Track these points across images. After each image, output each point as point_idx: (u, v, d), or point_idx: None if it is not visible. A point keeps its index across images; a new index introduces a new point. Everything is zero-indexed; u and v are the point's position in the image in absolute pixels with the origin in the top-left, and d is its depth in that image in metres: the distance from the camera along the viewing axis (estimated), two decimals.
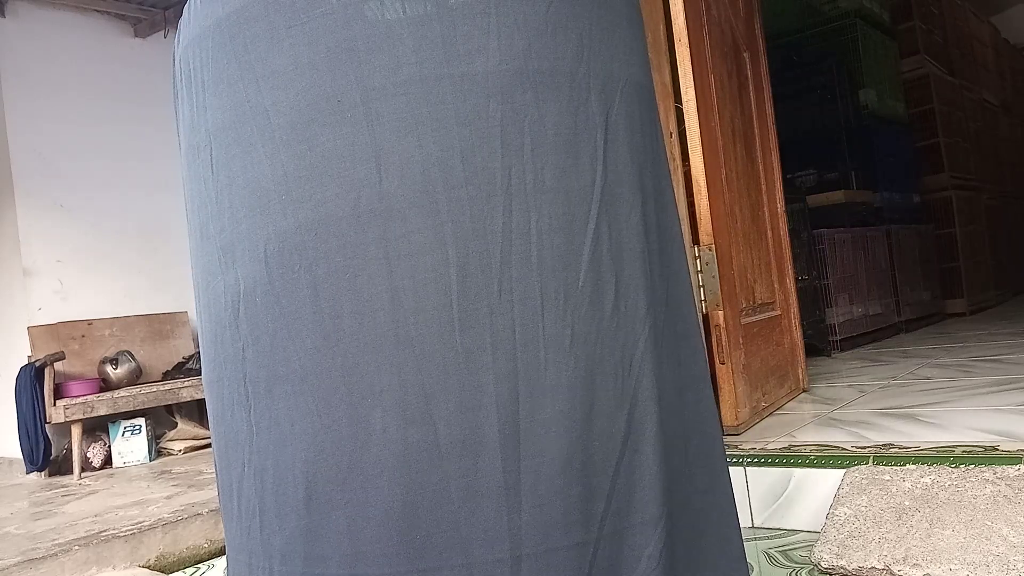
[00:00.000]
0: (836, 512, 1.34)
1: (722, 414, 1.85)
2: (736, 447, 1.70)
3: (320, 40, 0.74)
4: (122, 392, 2.99)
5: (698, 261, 1.87)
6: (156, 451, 3.18)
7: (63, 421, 2.84)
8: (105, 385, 3.10)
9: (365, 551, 0.73)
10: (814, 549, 1.29)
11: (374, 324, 0.72)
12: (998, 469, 1.30)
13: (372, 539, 0.72)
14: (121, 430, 3.10)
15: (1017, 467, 1.29)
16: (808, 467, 1.51)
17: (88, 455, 3.04)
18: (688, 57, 1.87)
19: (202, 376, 0.91)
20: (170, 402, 3.10)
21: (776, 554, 1.39)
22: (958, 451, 1.44)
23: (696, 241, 1.89)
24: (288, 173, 0.75)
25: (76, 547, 1.71)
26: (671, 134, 1.87)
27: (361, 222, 0.73)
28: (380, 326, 0.72)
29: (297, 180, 0.75)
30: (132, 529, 1.81)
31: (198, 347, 3.12)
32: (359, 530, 0.73)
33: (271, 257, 0.76)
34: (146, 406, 3.03)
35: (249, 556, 0.82)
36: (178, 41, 0.87)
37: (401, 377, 0.72)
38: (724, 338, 1.85)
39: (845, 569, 1.23)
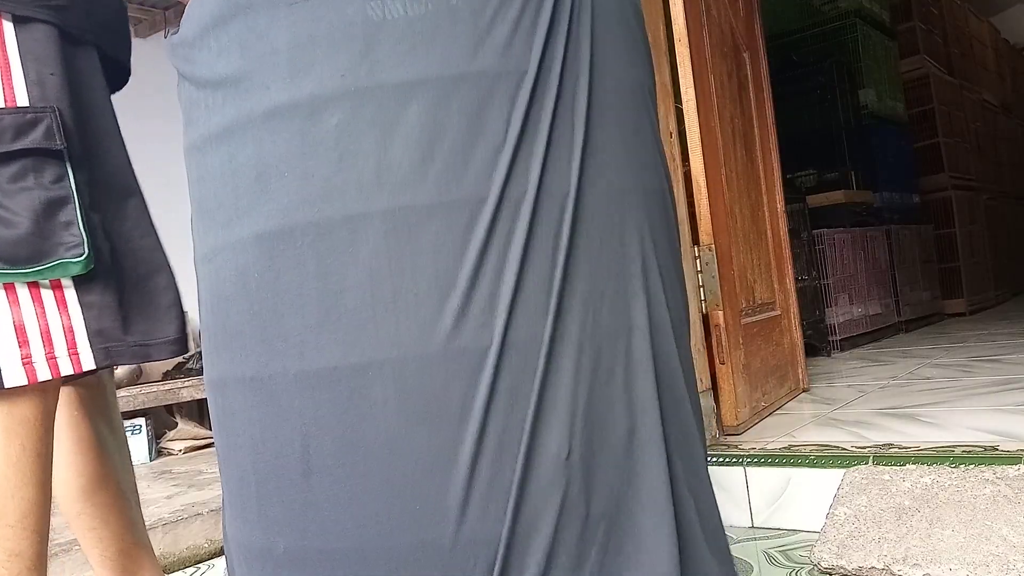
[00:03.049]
0: (836, 512, 1.34)
1: (722, 414, 1.85)
2: (736, 447, 1.70)
3: (323, 18, 0.75)
4: (122, 392, 2.99)
5: (698, 261, 1.87)
6: (156, 451, 3.18)
7: None
8: None
9: (366, 523, 0.73)
10: (814, 549, 1.29)
11: (376, 296, 0.73)
12: (998, 469, 1.30)
13: (373, 512, 0.73)
14: None
15: (1017, 467, 1.29)
16: (808, 467, 1.52)
17: None
18: (688, 57, 1.87)
19: (202, 351, 0.92)
20: (170, 402, 3.10)
21: (776, 554, 1.39)
22: (958, 451, 1.44)
23: (696, 241, 1.89)
24: (291, 150, 0.76)
25: (76, 547, 1.71)
26: (671, 134, 1.87)
27: (364, 195, 0.73)
28: (382, 298, 0.73)
29: (300, 156, 0.75)
30: None
31: (199, 347, 3.12)
32: (360, 503, 0.73)
33: (274, 232, 0.77)
34: (146, 406, 3.03)
35: (251, 528, 0.82)
36: (178, 36, 0.87)
37: (401, 350, 0.72)
38: (724, 338, 1.85)
39: (845, 569, 1.23)
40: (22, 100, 0.87)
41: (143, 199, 1.01)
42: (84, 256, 0.87)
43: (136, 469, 3.08)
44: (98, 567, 1.12)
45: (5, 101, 0.86)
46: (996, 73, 5.64)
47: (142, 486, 2.47)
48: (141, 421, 3.10)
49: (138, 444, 3.09)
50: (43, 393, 0.91)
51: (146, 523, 1.84)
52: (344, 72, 0.74)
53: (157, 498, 2.20)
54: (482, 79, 0.74)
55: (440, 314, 0.72)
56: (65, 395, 1.07)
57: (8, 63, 0.87)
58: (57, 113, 0.88)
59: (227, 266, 0.81)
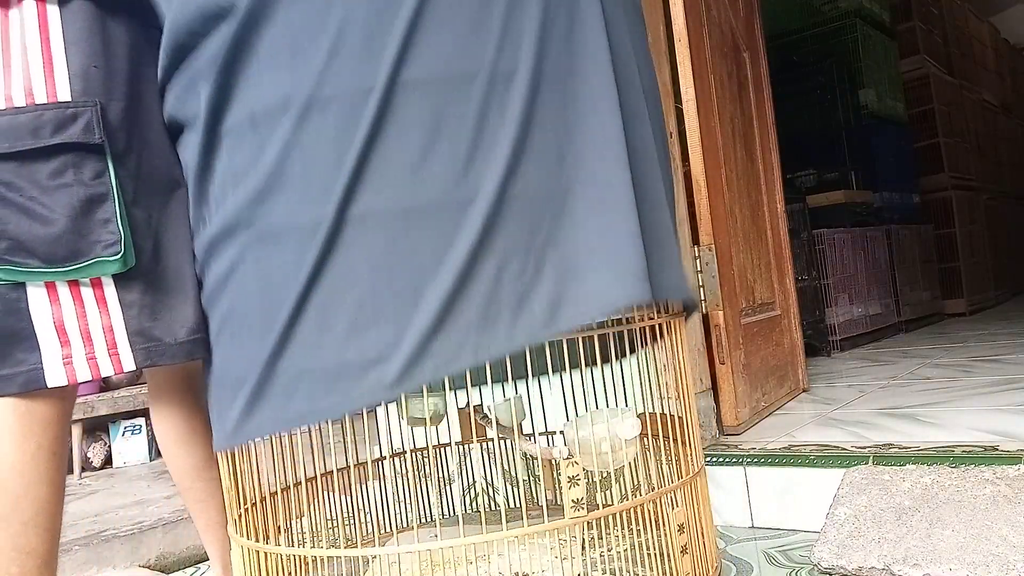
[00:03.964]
0: (836, 512, 1.34)
1: (722, 414, 1.85)
2: (736, 447, 1.70)
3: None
4: (122, 392, 2.99)
5: (698, 261, 1.87)
6: (156, 451, 3.18)
7: None
8: (105, 385, 3.10)
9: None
10: (814, 549, 1.29)
11: None
12: (998, 469, 1.30)
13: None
14: (121, 430, 3.10)
15: (1017, 467, 1.29)
16: (808, 467, 1.52)
17: (88, 455, 3.05)
18: (688, 57, 1.87)
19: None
20: None
21: (776, 554, 1.39)
22: (958, 451, 1.44)
23: (696, 241, 1.89)
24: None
25: (76, 547, 1.71)
26: (671, 134, 1.87)
27: None
28: None
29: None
30: (132, 529, 1.81)
31: None
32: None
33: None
34: (147, 406, 3.02)
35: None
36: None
37: None
38: (724, 338, 1.85)
39: (845, 569, 1.23)
40: (64, 94, 0.87)
41: (187, 191, 0.97)
42: (120, 255, 0.87)
43: (136, 469, 3.08)
44: (203, 532, 1.17)
45: (47, 96, 0.86)
46: (996, 73, 5.64)
47: (142, 486, 2.47)
48: (141, 421, 3.10)
49: (138, 444, 3.09)
50: (62, 394, 0.92)
51: (146, 523, 1.84)
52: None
53: (157, 498, 2.20)
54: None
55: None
56: (178, 378, 1.10)
57: (51, 55, 0.86)
58: (99, 107, 0.87)
59: None
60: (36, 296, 0.88)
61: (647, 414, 1.11)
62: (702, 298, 1.87)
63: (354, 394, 0.79)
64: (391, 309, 0.79)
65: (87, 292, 0.89)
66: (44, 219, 0.85)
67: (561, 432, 1.05)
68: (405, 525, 1.40)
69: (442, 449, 1.46)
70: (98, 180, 0.87)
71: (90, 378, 0.89)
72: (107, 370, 0.90)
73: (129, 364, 0.90)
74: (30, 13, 0.87)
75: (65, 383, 0.88)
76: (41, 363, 0.88)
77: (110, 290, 0.89)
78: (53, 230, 0.85)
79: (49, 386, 0.88)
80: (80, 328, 0.88)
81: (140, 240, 0.90)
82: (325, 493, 1.22)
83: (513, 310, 0.79)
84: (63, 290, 0.88)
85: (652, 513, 0.94)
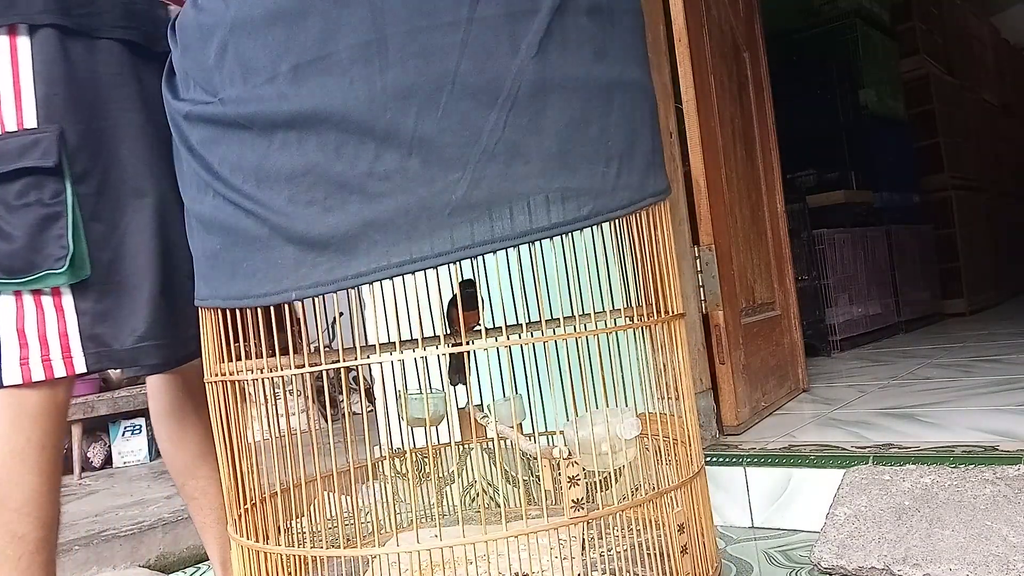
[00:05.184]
0: (836, 512, 1.34)
1: (722, 414, 1.85)
2: (736, 447, 1.70)
3: None
4: (122, 392, 2.99)
5: (698, 261, 1.87)
6: (156, 451, 3.18)
7: None
8: (105, 385, 3.10)
9: None
10: (814, 549, 1.29)
11: None
12: (998, 469, 1.30)
13: None
14: (121, 430, 3.10)
15: (1017, 467, 1.29)
16: (808, 467, 1.52)
17: (88, 455, 3.05)
18: (688, 57, 1.87)
19: None
20: None
21: (776, 554, 1.40)
22: (958, 451, 1.44)
23: (696, 241, 1.89)
24: None
25: (76, 547, 1.71)
26: (671, 134, 1.87)
27: None
28: None
29: None
30: (132, 529, 1.81)
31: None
32: None
33: None
34: (146, 406, 3.02)
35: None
36: None
37: None
38: (724, 338, 1.85)
39: (845, 569, 1.23)
40: (30, 122, 0.95)
41: (160, 199, 1.03)
42: (65, 268, 0.94)
43: (136, 469, 3.09)
44: (200, 530, 1.26)
45: (17, 124, 0.94)
46: (996, 73, 5.64)
47: (142, 486, 2.47)
48: (141, 421, 3.10)
49: (138, 444, 3.10)
50: (52, 390, 0.98)
51: (146, 523, 1.84)
52: None
53: (157, 498, 2.20)
54: None
55: None
56: (172, 379, 1.18)
57: (20, 85, 0.95)
58: (59, 132, 0.94)
59: None
60: (5, 304, 0.96)
61: (647, 414, 1.11)
62: (702, 298, 1.87)
63: (284, 284, 0.79)
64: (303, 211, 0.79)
65: (47, 300, 0.97)
66: (7, 236, 0.94)
67: (561, 432, 1.05)
68: (405, 525, 1.40)
69: (442, 449, 1.46)
70: (56, 200, 0.94)
71: (43, 378, 0.96)
72: (60, 371, 0.97)
73: (80, 367, 0.97)
74: (3, 46, 0.94)
75: (20, 382, 0.95)
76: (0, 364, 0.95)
77: (68, 298, 0.97)
78: (13, 246, 0.93)
79: (5, 384, 0.95)
80: (38, 333, 0.96)
81: (97, 252, 0.97)
82: (325, 493, 1.22)
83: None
84: (28, 299, 0.96)
85: (652, 513, 0.94)
